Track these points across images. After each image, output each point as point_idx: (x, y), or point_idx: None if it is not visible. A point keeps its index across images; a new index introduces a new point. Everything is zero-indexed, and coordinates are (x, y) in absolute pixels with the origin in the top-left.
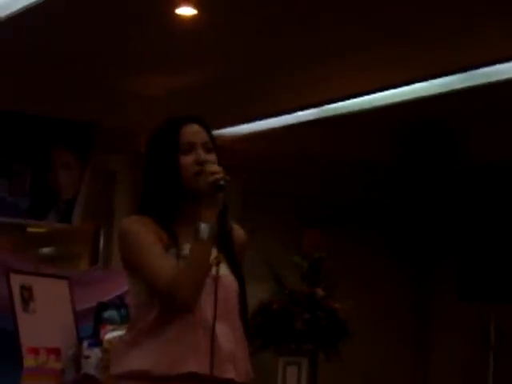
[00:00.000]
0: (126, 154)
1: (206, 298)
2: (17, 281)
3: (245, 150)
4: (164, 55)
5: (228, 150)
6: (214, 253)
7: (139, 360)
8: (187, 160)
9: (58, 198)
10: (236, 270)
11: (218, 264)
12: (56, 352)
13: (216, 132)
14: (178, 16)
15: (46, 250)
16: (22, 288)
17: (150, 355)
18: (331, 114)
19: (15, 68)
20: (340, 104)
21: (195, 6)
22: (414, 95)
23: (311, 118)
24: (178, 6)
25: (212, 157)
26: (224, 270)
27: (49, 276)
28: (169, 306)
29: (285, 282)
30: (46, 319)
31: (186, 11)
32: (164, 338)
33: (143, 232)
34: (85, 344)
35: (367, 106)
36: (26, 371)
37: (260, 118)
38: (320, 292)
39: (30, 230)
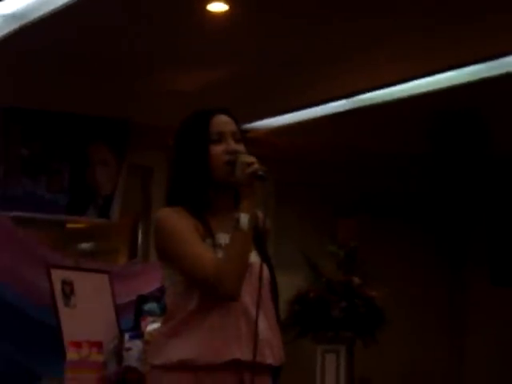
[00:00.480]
0: (161, 150)
1: (244, 286)
2: (58, 276)
3: (278, 141)
4: (196, 51)
5: (262, 142)
6: None
7: (182, 350)
8: (217, 149)
9: (96, 194)
10: (266, 257)
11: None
12: (98, 345)
13: (249, 125)
14: (210, 12)
15: (85, 246)
16: (63, 283)
17: (194, 344)
18: (363, 104)
19: (52, 67)
20: (372, 94)
21: (226, 2)
22: (443, 84)
23: (343, 108)
24: (209, 1)
25: (241, 147)
26: (255, 258)
27: (89, 270)
28: (210, 296)
29: (321, 270)
30: (88, 313)
31: (218, 7)
32: (206, 326)
33: (180, 222)
34: (126, 336)
35: (399, 96)
36: (68, 364)
37: (292, 110)
38: (356, 280)
39: (69, 226)
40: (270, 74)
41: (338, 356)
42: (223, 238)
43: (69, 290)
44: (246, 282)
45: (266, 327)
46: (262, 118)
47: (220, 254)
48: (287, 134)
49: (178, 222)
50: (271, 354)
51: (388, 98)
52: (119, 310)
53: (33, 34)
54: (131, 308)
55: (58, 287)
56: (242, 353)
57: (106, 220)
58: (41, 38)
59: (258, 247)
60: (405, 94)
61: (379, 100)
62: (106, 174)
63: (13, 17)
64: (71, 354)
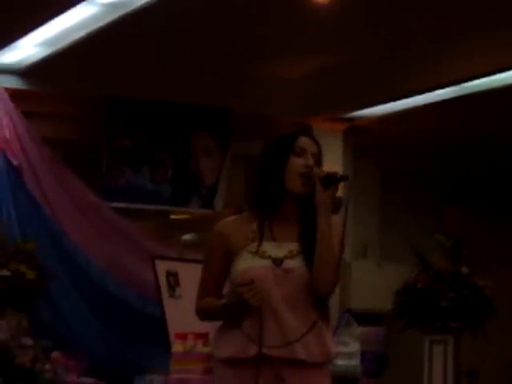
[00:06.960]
0: (264, 139)
1: (276, 289)
2: (163, 267)
3: (384, 129)
4: (301, 39)
5: (367, 130)
6: (293, 246)
7: (222, 349)
8: (296, 161)
9: (199, 184)
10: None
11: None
12: (204, 337)
13: (354, 113)
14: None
15: (189, 236)
16: (168, 274)
17: (229, 344)
18: (471, 91)
19: (154, 56)
20: (480, 81)
21: None
22: None
23: (451, 96)
24: None
25: (318, 169)
26: (297, 263)
27: (194, 261)
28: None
29: (428, 260)
30: (193, 304)
31: None
32: (237, 327)
33: (214, 246)
34: None
35: (507, 82)
36: (173, 356)
37: (399, 98)
38: (465, 269)
39: (173, 216)
40: (376, 61)
41: (445, 347)
42: (271, 247)
43: (174, 280)
44: (282, 286)
45: (298, 325)
46: (367, 105)
47: (257, 261)
48: (393, 121)
49: (213, 247)
50: (304, 351)
51: (496, 85)
52: None
53: (135, 22)
54: None
55: (162, 278)
56: (267, 349)
57: (210, 210)
58: (143, 26)
59: (308, 252)
60: None
61: (487, 87)
62: (209, 164)
63: (115, 5)
64: (176, 346)
